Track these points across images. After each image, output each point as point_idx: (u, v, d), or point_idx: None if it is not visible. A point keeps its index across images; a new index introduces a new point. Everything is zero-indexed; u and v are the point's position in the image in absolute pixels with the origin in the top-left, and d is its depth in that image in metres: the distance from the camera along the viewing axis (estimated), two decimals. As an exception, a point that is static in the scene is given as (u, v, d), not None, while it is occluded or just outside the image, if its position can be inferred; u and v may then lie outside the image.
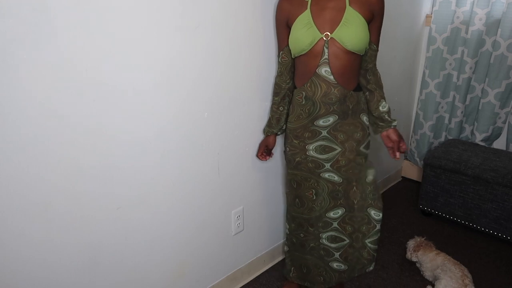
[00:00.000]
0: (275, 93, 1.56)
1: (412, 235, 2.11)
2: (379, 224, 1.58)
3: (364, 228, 1.59)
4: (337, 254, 1.63)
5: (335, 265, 1.65)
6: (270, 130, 1.62)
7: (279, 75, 1.52)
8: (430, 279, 1.88)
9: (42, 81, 1.03)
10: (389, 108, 1.52)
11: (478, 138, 2.47)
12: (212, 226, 1.64)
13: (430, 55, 2.54)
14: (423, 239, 1.99)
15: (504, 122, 2.41)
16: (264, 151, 1.66)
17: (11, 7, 0.94)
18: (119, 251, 1.35)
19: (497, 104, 2.34)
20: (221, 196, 1.63)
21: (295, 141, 1.51)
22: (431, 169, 2.32)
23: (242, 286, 1.87)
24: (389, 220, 2.42)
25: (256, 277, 1.93)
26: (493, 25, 2.26)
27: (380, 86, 1.49)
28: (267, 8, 1.54)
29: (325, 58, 1.34)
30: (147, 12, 1.19)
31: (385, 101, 1.50)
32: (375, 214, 1.57)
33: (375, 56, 1.45)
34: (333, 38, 1.32)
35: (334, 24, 1.31)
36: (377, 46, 1.44)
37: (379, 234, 1.61)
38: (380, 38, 1.45)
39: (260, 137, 1.70)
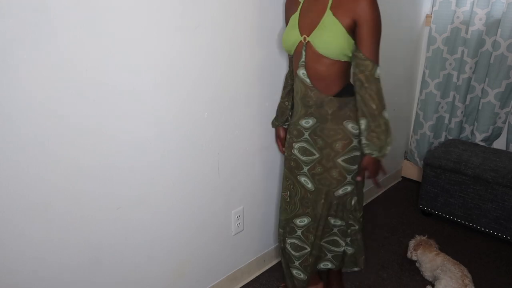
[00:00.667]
0: (283, 87, 1.62)
1: (412, 235, 2.11)
2: (336, 229, 1.56)
3: (326, 235, 1.58)
4: (297, 263, 1.62)
5: (294, 272, 1.64)
6: (275, 122, 1.69)
7: (289, 70, 1.58)
8: (430, 279, 1.88)
9: (42, 81, 1.03)
10: (368, 128, 1.31)
11: (478, 138, 2.47)
12: (212, 226, 1.64)
13: (430, 55, 2.53)
14: (424, 237, 1.99)
15: (504, 122, 2.41)
16: (282, 144, 1.68)
17: (11, 7, 0.94)
18: (119, 251, 1.35)
19: (497, 104, 2.34)
20: (221, 196, 1.63)
21: (288, 136, 1.55)
22: (431, 169, 2.32)
23: (242, 286, 1.87)
24: (389, 220, 2.42)
25: (256, 277, 1.93)
26: (493, 25, 2.26)
27: (366, 103, 1.29)
28: (267, 8, 1.54)
29: (303, 61, 1.35)
30: (147, 12, 1.19)
31: (365, 120, 1.31)
32: (334, 221, 1.54)
33: (365, 66, 1.26)
34: (309, 42, 1.32)
35: (313, 27, 1.31)
36: (369, 54, 1.26)
37: (336, 237, 1.58)
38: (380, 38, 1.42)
39: (259, 137, 1.71)
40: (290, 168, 1.54)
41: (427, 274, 1.88)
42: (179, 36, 1.29)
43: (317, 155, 1.45)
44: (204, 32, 1.35)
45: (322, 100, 1.37)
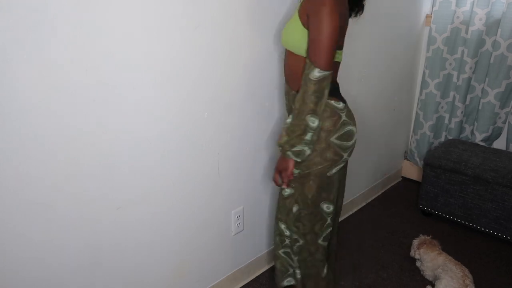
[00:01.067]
0: None
1: (412, 235, 2.11)
2: (330, 217, 1.46)
3: (317, 226, 1.46)
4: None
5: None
6: None
7: None
8: (430, 279, 1.88)
9: (42, 81, 1.03)
10: (288, 128, 1.27)
11: (478, 138, 2.47)
12: (212, 226, 1.64)
13: (430, 55, 2.53)
14: (428, 237, 1.99)
15: (504, 122, 2.41)
16: None
17: (11, 7, 0.94)
18: (119, 251, 1.35)
19: (497, 104, 2.34)
20: (221, 196, 1.63)
21: None
22: (431, 169, 2.32)
23: (242, 286, 1.87)
24: (389, 220, 2.42)
25: (256, 277, 1.93)
26: (493, 25, 2.26)
27: (296, 100, 1.26)
28: (266, 8, 1.54)
29: (284, 55, 1.41)
30: (147, 12, 1.19)
31: (291, 119, 1.27)
32: (327, 207, 1.44)
33: (305, 64, 1.22)
34: None
35: None
36: (309, 53, 1.20)
37: (328, 229, 1.48)
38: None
39: (259, 137, 1.71)
40: None
41: (428, 273, 1.88)
42: (179, 36, 1.29)
43: None
44: (204, 32, 1.35)
45: (289, 94, 1.40)
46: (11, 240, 1.09)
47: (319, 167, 1.35)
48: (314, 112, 1.23)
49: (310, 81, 1.21)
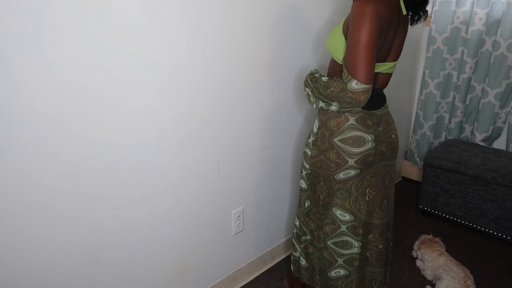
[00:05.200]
0: None
1: (412, 235, 2.12)
2: (345, 226, 1.43)
3: (327, 228, 1.46)
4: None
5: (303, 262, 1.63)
6: None
7: None
8: (430, 278, 1.88)
9: (42, 82, 1.03)
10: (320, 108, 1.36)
11: (478, 138, 2.47)
12: (212, 226, 1.64)
13: (430, 55, 2.53)
14: (428, 236, 1.99)
15: (504, 122, 2.41)
16: None
17: (11, 7, 0.94)
18: (119, 251, 1.35)
19: (497, 104, 2.34)
20: (221, 196, 1.63)
21: None
22: (431, 169, 2.32)
23: (242, 286, 1.87)
24: (389, 220, 2.42)
25: (256, 277, 1.93)
26: (493, 25, 2.26)
27: (328, 86, 1.29)
28: (267, 8, 1.54)
29: None
30: (147, 13, 1.19)
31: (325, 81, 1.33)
32: (341, 215, 1.43)
33: (344, 73, 1.21)
34: None
35: None
36: (344, 57, 1.21)
37: (343, 238, 1.45)
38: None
39: (259, 137, 1.71)
40: None
41: (428, 273, 1.88)
42: (179, 36, 1.29)
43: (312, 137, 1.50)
44: (204, 32, 1.35)
45: None
46: (11, 240, 1.09)
47: (324, 167, 1.38)
48: (325, 98, 1.31)
49: (346, 92, 1.18)
